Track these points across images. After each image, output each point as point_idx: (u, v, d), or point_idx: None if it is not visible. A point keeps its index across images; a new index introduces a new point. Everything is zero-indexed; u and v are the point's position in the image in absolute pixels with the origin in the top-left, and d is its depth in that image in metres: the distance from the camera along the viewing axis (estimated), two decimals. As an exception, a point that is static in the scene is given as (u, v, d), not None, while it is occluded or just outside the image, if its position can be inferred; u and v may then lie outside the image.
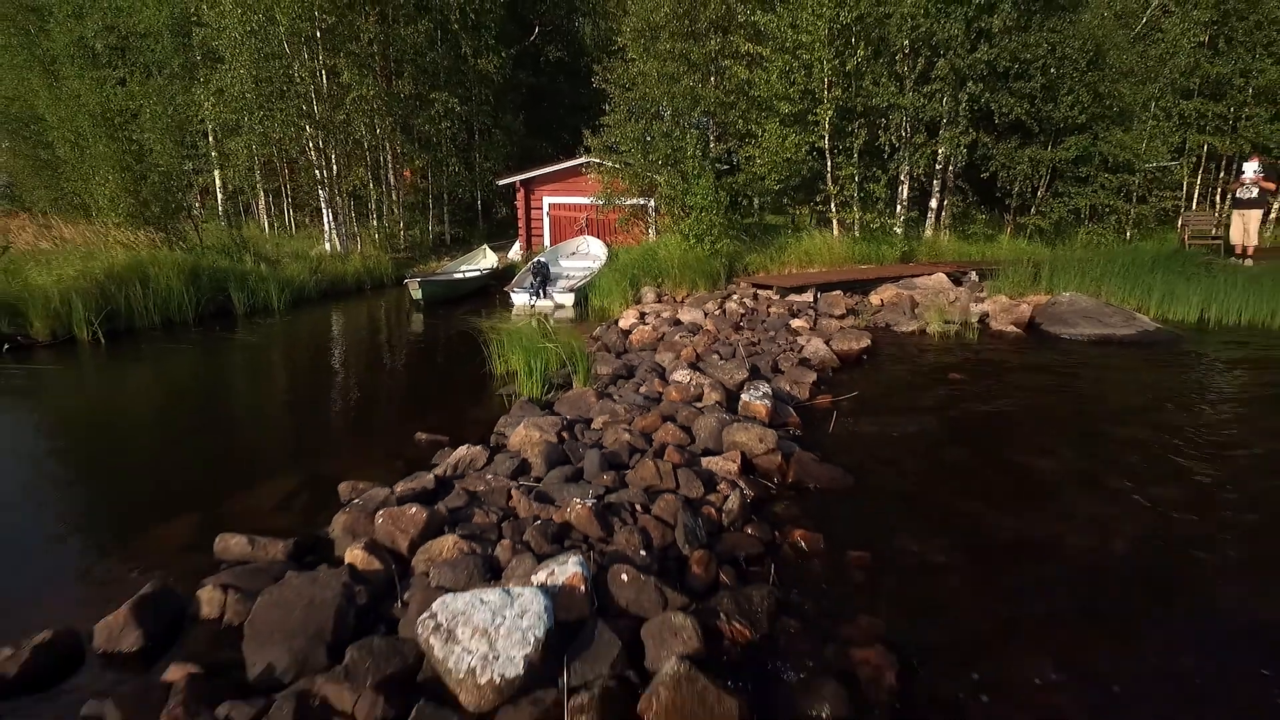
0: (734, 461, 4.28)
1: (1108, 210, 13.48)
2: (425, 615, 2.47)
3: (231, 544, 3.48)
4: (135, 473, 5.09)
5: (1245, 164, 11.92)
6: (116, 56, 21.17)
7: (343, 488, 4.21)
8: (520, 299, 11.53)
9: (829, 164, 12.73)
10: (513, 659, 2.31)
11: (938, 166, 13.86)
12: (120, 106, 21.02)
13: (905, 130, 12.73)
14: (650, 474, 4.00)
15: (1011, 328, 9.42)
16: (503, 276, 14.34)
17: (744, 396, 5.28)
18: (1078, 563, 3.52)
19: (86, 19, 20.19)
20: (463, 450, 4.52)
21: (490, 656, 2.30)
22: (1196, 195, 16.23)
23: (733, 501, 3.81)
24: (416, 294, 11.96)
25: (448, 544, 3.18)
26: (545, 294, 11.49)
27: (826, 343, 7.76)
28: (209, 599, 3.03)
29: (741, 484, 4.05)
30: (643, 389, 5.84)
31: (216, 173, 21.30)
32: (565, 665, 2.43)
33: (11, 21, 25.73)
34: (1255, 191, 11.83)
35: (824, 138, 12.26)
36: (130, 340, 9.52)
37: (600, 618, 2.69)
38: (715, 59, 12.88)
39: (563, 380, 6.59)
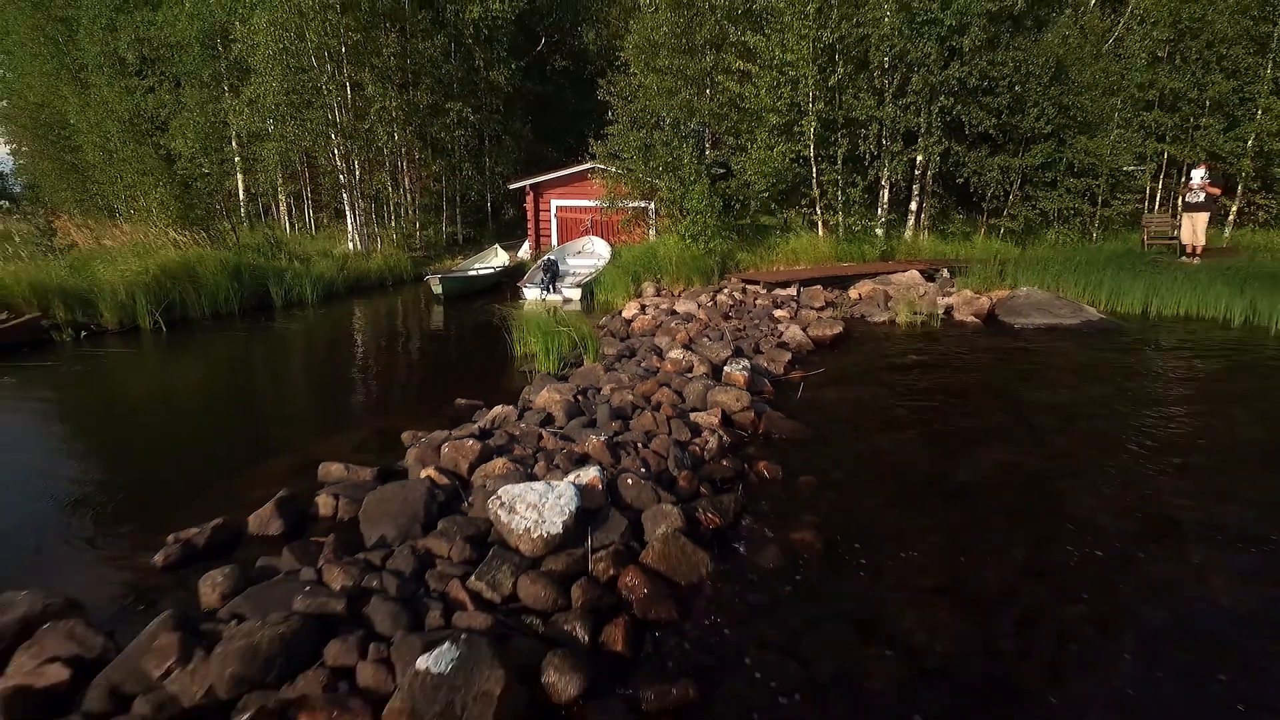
0: (715, 416, 5.35)
1: (1072, 213, 14.54)
2: (493, 498, 3.55)
3: (331, 469, 4.56)
4: (231, 426, 6.19)
5: (1193, 171, 12.96)
6: (147, 66, 22.18)
7: (405, 435, 5.29)
8: (532, 293, 12.59)
9: (814, 170, 13.79)
10: (554, 524, 3.38)
11: (916, 172, 14.91)
12: (151, 113, 22.12)
13: (885, 140, 13.79)
14: (649, 422, 5.08)
15: (972, 318, 10.48)
16: (514, 274, 15.39)
17: (726, 368, 6.35)
18: (979, 488, 4.59)
19: (120, 32, 21.20)
20: (498, 409, 5.59)
21: (539, 521, 3.37)
22: (1159, 199, 17.26)
23: (713, 443, 4.88)
24: (437, 289, 13.01)
25: (498, 465, 4.25)
26: (555, 289, 12.54)
27: (804, 330, 8.83)
28: (324, 503, 4.11)
29: (721, 432, 5.12)
30: (643, 364, 6.90)
31: (239, 176, 22.36)
32: (589, 534, 3.51)
33: (41, 31, 26.75)
34: (1202, 196, 12.87)
35: (809, 147, 13.32)
36: (186, 329, 10.60)
37: (612, 507, 3.77)
38: (710, 74, 13.94)
39: (574, 360, 7.65)
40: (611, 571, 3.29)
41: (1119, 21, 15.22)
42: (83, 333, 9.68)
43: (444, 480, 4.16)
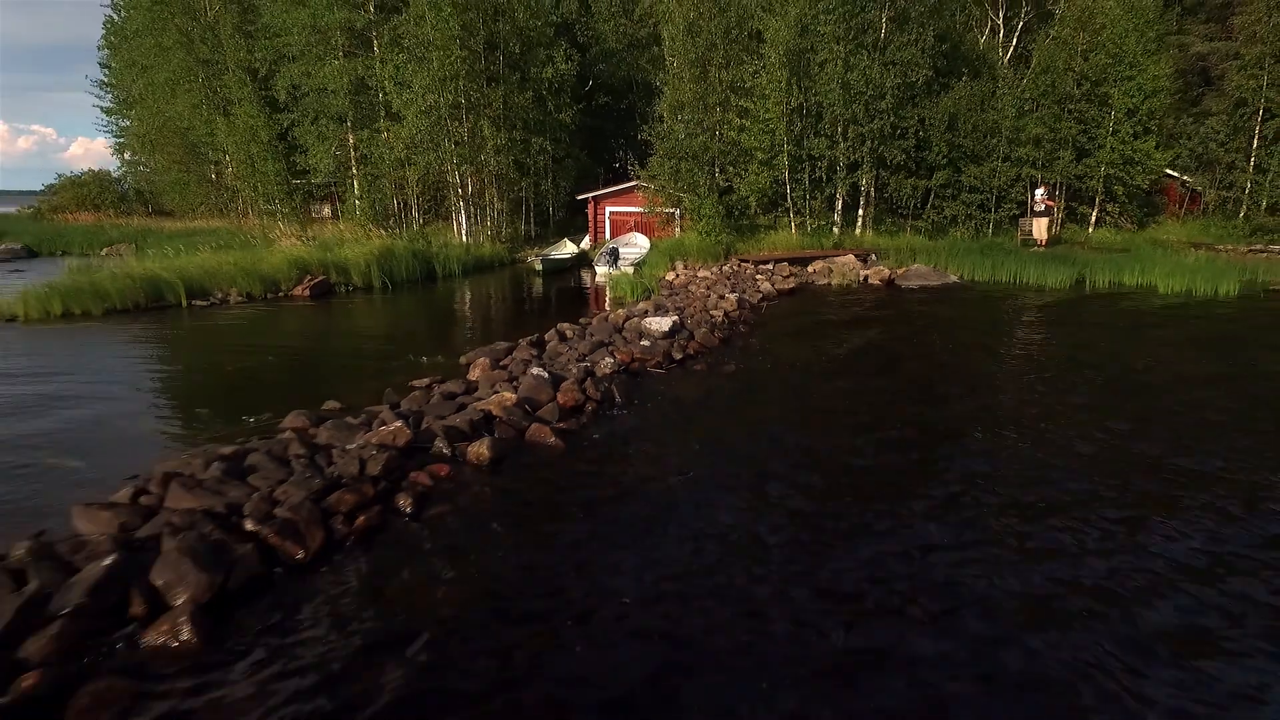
0: (720, 311, 11.46)
1: (967, 217, 20.51)
2: (644, 320, 9.69)
3: (564, 325, 10.67)
4: (486, 317, 12.36)
5: (1036, 190, 18.96)
6: (292, 102, 28.15)
7: (581, 320, 11.40)
8: (602, 269, 18.66)
9: (788, 189, 19.82)
10: (664, 328, 9.49)
11: (861, 188, 20.88)
12: (294, 140, 28.21)
13: (837, 168, 19.76)
14: (691, 311, 11.21)
15: (878, 283, 16.51)
16: (581, 259, 21.54)
17: (727, 295, 12.46)
18: (841, 342, 10.70)
19: (278, 78, 27.24)
20: (619, 310, 11.71)
21: (660, 325, 9.49)
22: (1037, 208, 23.11)
23: (719, 319, 10.99)
24: (538, 267, 19.13)
25: (634, 320, 10.37)
26: (617, 266, 18.63)
27: (772, 285, 14.90)
28: (569, 335, 10.24)
29: (724, 317, 11.23)
30: (684, 296, 13.03)
31: (355, 185, 28.44)
32: (675, 333, 9.65)
33: (189, 71, 32.80)
34: (1042, 207, 18.87)
35: (784, 173, 19.33)
36: (398, 288, 16.75)
37: (683, 327, 9.92)
38: (718, 124, 19.87)
39: (645, 297, 13.76)
40: (684, 342, 9.37)
41: (997, 87, 21.06)
42: (349, 288, 15.91)
43: (611, 325, 10.28)
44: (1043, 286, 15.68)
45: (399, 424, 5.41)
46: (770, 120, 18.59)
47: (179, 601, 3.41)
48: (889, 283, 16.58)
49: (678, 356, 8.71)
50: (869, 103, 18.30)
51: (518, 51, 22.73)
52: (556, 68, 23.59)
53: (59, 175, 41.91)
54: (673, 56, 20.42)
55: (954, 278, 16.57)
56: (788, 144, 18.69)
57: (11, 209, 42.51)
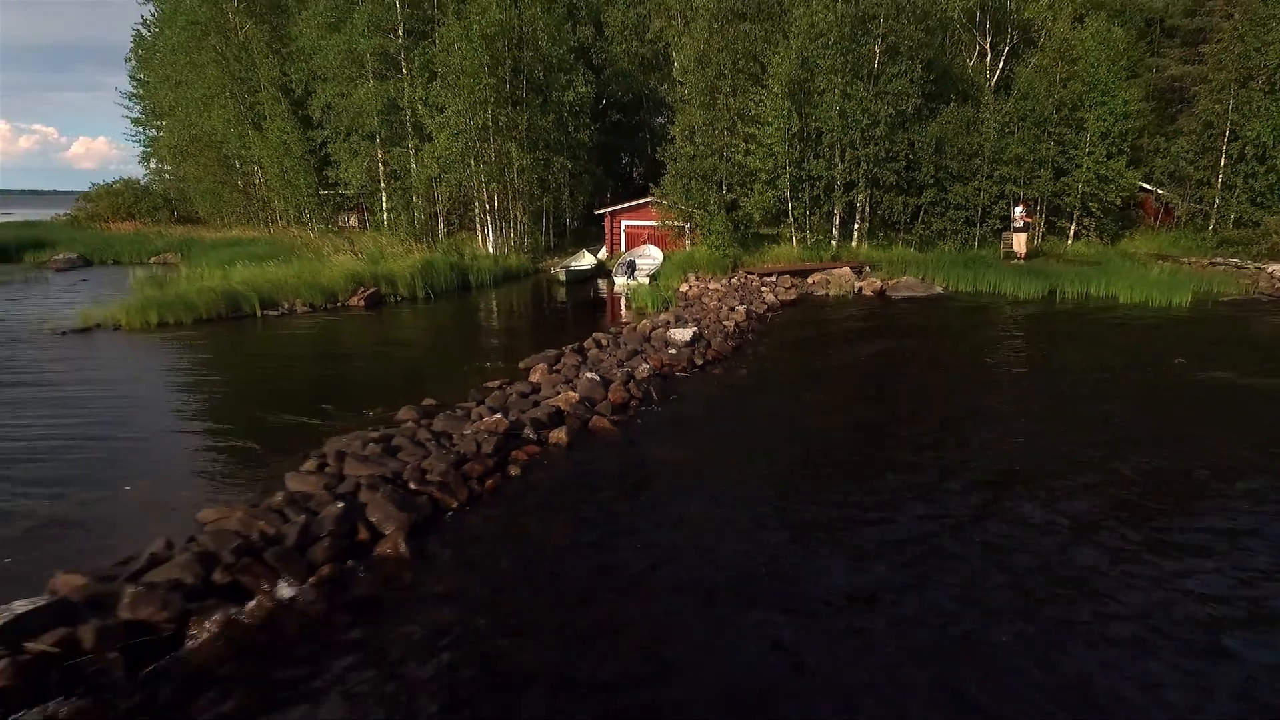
0: (732, 321, 13.11)
1: (953, 232, 22.15)
2: (669, 330, 11.36)
3: (598, 334, 12.34)
4: (527, 323, 14.03)
5: (1015, 208, 20.60)
6: (325, 119, 29.76)
7: (612, 328, 13.06)
8: (620, 279, 20.33)
9: (790, 206, 21.46)
10: (686, 337, 11.16)
11: (857, 205, 22.52)
12: (326, 154, 29.84)
13: (834, 188, 21.40)
14: (708, 321, 12.87)
15: (870, 294, 18.15)
16: (599, 269, 23.21)
17: (737, 306, 14.11)
18: (833, 339, 12.36)
19: (314, 99, 28.88)
20: (644, 320, 13.37)
21: (682, 335, 11.16)
22: (1016, 225, 24.71)
23: (731, 328, 12.65)
24: (562, 277, 20.78)
25: (659, 330, 12.03)
26: (634, 277, 20.29)
27: (775, 296, 16.55)
28: (603, 342, 11.91)
29: (735, 326, 12.88)
30: (699, 307, 14.69)
31: (384, 197, 30.12)
32: (694, 343, 11.31)
33: (224, 88, 34.37)
34: (1022, 223, 20.50)
35: (786, 191, 20.97)
36: (439, 297, 18.41)
37: (701, 337, 11.58)
38: (726, 147, 21.53)
39: (664, 308, 15.41)
40: (703, 350, 11.02)
41: (980, 112, 22.67)
42: (397, 298, 17.58)
43: (638, 334, 11.95)
44: (1018, 297, 17.31)
45: (497, 416, 7.08)
46: (773, 144, 20.25)
47: (389, 531, 5.08)
48: (880, 293, 18.22)
49: (699, 362, 10.38)
50: (864, 129, 19.95)
51: (540, 77, 24.38)
52: (576, 91, 25.24)
53: (93, 184, 43.47)
54: (683, 84, 22.09)
55: (939, 289, 18.21)
56: (789, 166, 20.36)
57: (47, 215, 44.24)
